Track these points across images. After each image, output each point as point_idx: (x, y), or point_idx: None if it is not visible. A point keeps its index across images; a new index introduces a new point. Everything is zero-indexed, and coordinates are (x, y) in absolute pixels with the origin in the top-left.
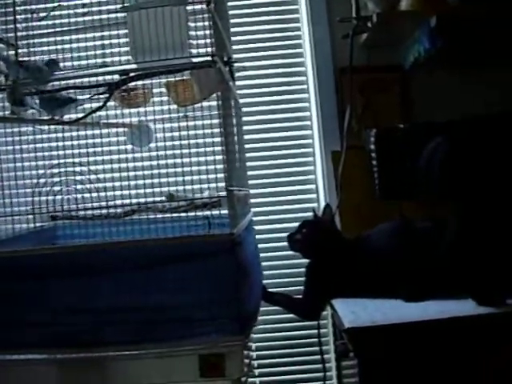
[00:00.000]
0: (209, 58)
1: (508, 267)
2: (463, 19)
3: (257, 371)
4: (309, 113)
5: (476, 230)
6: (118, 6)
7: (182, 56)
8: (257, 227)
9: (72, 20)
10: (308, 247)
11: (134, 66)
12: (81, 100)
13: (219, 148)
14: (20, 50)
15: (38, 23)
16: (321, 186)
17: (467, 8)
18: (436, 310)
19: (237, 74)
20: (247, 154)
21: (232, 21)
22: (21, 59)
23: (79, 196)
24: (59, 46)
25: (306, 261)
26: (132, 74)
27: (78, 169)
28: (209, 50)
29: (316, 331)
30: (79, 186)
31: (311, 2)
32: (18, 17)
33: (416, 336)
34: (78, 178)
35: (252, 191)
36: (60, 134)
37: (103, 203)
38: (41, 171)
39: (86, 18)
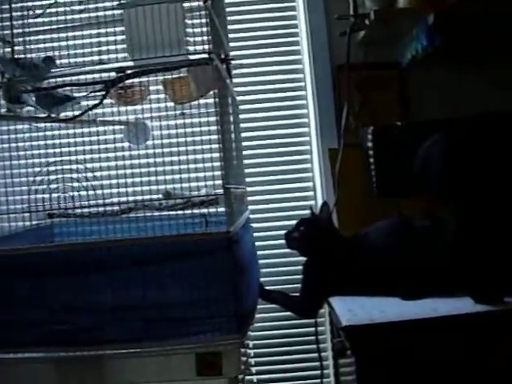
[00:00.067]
0: (206, 56)
1: (506, 265)
2: (461, 17)
3: (254, 369)
4: (306, 110)
5: (474, 227)
6: (115, 3)
7: (179, 53)
8: (254, 225)
9: (68, 17)
10: (305, 245)
11: (130, 64)
12: (77, 97)
13: (216, 145)
14: (16, 48)
15: (35, 20)
16: (318, 183)
17: (465, 5)
18: (434, 308)
19: (234, 72)
20: (244, 152)
21: (229, 18)
22: (17, 56)
23: (76, 194)
24: (55, 44)
25: (303, 259)
26: (129, 72)
27: (74, 166)
28: (206, 47)
29: (313, 329)
30: (76, 184)
31: None
32: (14, 14)
33: (414, 334)
34: (75, 175)
35: (249, 189)
36: (56, 132)
37: (100, 201)
38: (37, 169)
39: (83, 15)
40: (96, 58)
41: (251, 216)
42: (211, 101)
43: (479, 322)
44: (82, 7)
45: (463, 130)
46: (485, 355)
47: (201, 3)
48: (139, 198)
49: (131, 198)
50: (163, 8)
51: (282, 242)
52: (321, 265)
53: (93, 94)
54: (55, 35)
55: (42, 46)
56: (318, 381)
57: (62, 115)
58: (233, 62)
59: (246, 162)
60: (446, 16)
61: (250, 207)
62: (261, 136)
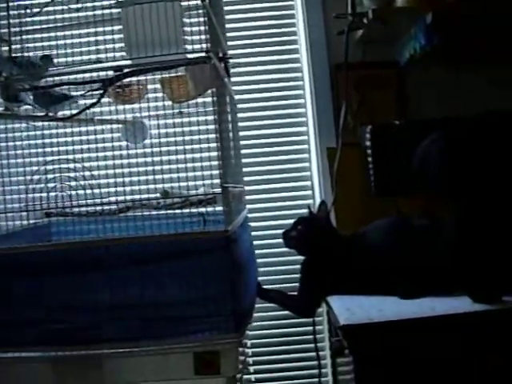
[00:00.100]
0: (204, 54)
1: (504, 264)
2: (459, 16)
3: (252, 368)
4: (304, 109)
5: (472, 226)
6: (113, 1)
7: (177, 52)
8: (252, 224)
9: (66, 15)
10: (303, 244)
11: (128, 62)
12: (75, 96)
13: (214, 144)
14: (13, 46)
15: (32, 19)
16: (316, 182)
17: (463, 4)
18: (432, 307)
19: (232, 70)
20: (242, 151)
21: (227, 17)
22: (14, 55)
23: (74, 193)
24: (53, 42)
25: (301, 258)
26: (126, 70)
27: (72, 165)
28: (204, 46)
29: (311, 328)
30: (73, 183)
31: None
32: (11, 12)
33: (412, 333)
34: (73, 174)
35: (247, 188)
36: (54, 131)
37: (98, 200)
38: (35, 168)
39: (80, 14)
40: (94, 56)
41: (249, 215)
42: (209, 99)
43: (477, 321)
44: (80, 5)
45: (461, 128)
46: (483, 354)
47: (198, 2)
48: (137, 196)
49: (129, 197)
50: (161, 6)
51: (280, 241)
52: (319, 264)
53: (90, 92)
54: (53, 34)
55: (39, 44)
56: (316, 380)
57: (60, 114)
58: (231, 60)
59: (244, 160)
60: (444, 15)
61: (248, 206)
62: (259, 135)
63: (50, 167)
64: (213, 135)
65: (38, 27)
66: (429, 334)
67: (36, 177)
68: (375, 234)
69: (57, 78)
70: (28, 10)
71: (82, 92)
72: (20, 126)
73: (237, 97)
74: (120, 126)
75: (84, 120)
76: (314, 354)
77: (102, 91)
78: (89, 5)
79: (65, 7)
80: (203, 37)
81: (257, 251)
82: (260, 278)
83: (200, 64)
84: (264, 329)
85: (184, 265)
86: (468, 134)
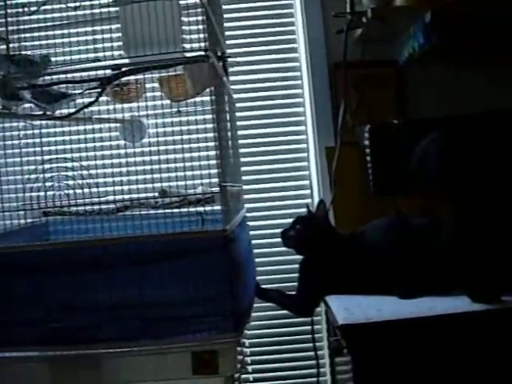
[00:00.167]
0: (202, 53)
1: (503, 263)
2: (458, 14)
3: (250, 367)
4: (303, 108)
5: (471, 226)
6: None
7: (175, 51)
8: (250, 223)
9: (64, 14)
10: (302, 243)
11: (126, 61)
12: (73, 95)
13: (212, 143)
14: (11, 45)
15: (30, 17)
16: (315, 181)
17: (462, 3)
18: (430, 307)
19: (230, 69)
20: (241, 150)
21: (226, 15)
22: (12, 53)
23: (71, 192)
24: (51, 41)
25: (299, 257)
26: (124, 69)
27: (70, 164)
28: (202, 44)
29: (310, 328)
30: (71, 182)
31: None
32: (8, 10)
33: (410, 333)
34: (71, 173)
35: (245, 187)
36: (52, 130)
37: (95, 199)
38: (32, 167)
39: (78, 13)
40: (91, 55)
41: (248, 214)
42: (207, 98)
43: (476, 320)
44: (78, 4)
45: (460, 127)
46: (482, 354)
47: (197, 0)
48: (135, 195)
49: (127, 196)
50: (159, 5)
51: (279, 240)
52: (317, 263)
53: (88, 91)
54: (50, 32)
55: (37, 43)
56: (315, 379)
57: (58, 113)
58: (229, 59)
59: (242, 160)
60: (443, 14)
61: (247, 205)
62: (257, 134)
63: (47, 166)
64: (211, 134)
65: (36, 26)
66: (427, 334)
67: (34, 176)
68: (374, 233)
69: (55, 77)
70: (26, 9)
71: (80, 91)
72: (18, 125)
73: (235, 96)
74: (118, 124)
75: (82, 119)
76: (312, 353)
77: (100, 90)
78: (87, 3)
79: (63, 6)
80: (201, 35)
81: (255, 250)
82: (258, 278)
83: (198, 63)
84: (262, 328)
85: (182, 264)
86: (467, 133)
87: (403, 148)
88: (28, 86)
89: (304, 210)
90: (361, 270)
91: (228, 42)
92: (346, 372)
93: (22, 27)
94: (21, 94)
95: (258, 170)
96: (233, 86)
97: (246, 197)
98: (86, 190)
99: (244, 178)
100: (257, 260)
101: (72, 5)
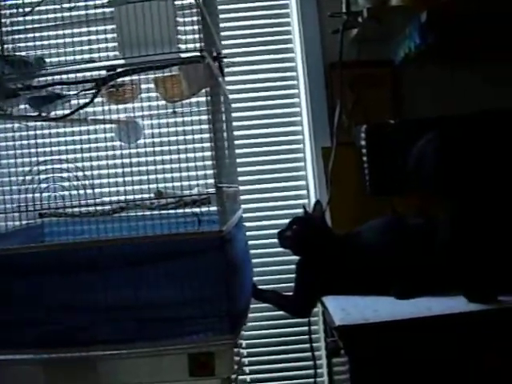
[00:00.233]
0: (197, 54)
1: (500, 263)
2: (454, 14)
3: (247, 369)
4: (299, 108)
5: (467, 226)
6: (105, 0)
7: (171, 51)
8: (247, 224)
9: (58, 15)
10: (298, 244)
11: (121, 62)
12: (68, 96)
13: (208, 144)
14: (5, 46)
15: (24, 18)
16: (311, 182)
17: (458, 3)
18: (427, 307)
19: (226, 70)
20: (237, 151)
21: (221, 15)
22: (6, 54)
23: (67, 193)
24: (45, 42)
25: (296, 258)
26: (119, 70)
27: (65, 166)
28: (197, 45)
29: (307, 328)
30: (67, 183)
31: None
32: (3, 11)
33: (407, 333)
34: (66, 175)
35: (242, 188)
36: (47, 131)
37: (91, 200)
38: (27, 168)
39: (73, 13)
40: (86, 56)
41: (244, 215)
42: (203, 99)
43: (473, 321)
44: (72, 5)
45: (456, 127)
46: (479, 354)
47: (192, 0)
48: (131, 197)
49: (123, 198)
50: (154, 5)
51: (275, 240)
52: (314, 264)
53: (83, 92)
54: (45, 33)
55: (31, 44)
56: (312, 380)
57: (53, 114)
58: (225, 59)
59: (238, 160)
60: (438, 14)
61: (243, 206)
62: (253, 134)
63: (42, 167)
64: (207, 135)
65: (30, 26)
66: (424, 334)
67: (29, 177)
68: (370, 233)
69: (49, 78)
70: (20, 9)
71: (75, 92)
72: (12, 126)
73: (231, 96)
74: (113, 125)
75: (77, 120)
76: (309, 354)
77: (95, 91)
78: (81, 4)
79: (57, 6)
80: (197, 36)
81: (252, 251)
82: (255, 278)
83: (194, 63)
84: (259, 329)
85: (178, 265)
86: (463, 133)
87: (399, 148)
88: (23, 87)
89: (300, 210)
90: (357, 270)
91: (224, 42)
92: (343, 373)
93: (16, 28)
94: (16, 95)
95: (254, 171)
96: (228, 87)
97: (243, 197)
98: (82, 192)
99: (240, 178)
100: (253, 260)
101: (67, 5)
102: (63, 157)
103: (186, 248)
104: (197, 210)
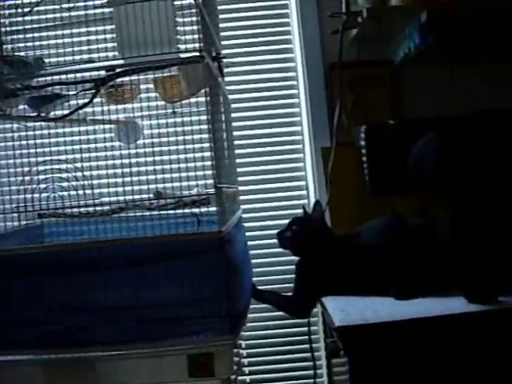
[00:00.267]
0: (197, 54)
1: (500, 264)
2: (454, 14)
3: (247, 369)
4: (298, 109)
5: (467, 226)
6: (104, 0)
7: (170, 51)
8: (246, 224)
9: (57, 15)
10: (298, 244)
11: (120, 62)
12: (67, 96)
13: (207, 144)
14: (4, 46)
15: (23, 18)
16: (311, 182)
17: (458, 3)
18: (427, 308)
19: (226, 70)
20: (236, 151)
21: (221, 16)
22: (5, 54)
23: (66, 193)
24: (44, 42)
25: (296, 258)
26: (119, 70)
27: (64, 166)
28: (197, 45)
29: (306, 329)
30: (66, 184)
31: None
32: (2, 12)
33: (407, 334)
34: (65, 175)
35: (241, 188)
36: (46, 131)
37: (90, 201)
38: (27, 168)
39: (72, 13)
40: (86, 56)
41: (243, 215)
42: (202, 99)
43: (473, 321)
44: (71, 5)
45: (456, 127)
46: (479, 355)
47: (191, 0)
48: (130, 197)
49: (122, 198)
50: (153, 5)
51: (275, 241)
52: (314, 264)
53: (83, 92)
54: (44, 33)
55: (30, 44)
56: (311, 381)
57: (52, 114)
58: (224, 60)
59: (238, 160)
60: (438, 14)
61: (243, 206)
62: (253, 135)
63: (42, 168)
64: (206, 135)
65: (29, 27)
66: (424, 335)
67: (28, 177)
68: (370, 233)
69: (49, 78)
70: (19, 10)
71: (75, 92)
72: (11, 127)
73: (230, 96)
74: (113, 126)
75: (76, 120)
76: (309, 354)
77: (94, 91)
78: (80, 4)
79: (56, 6)
80: (196, 36)
81: (251, 252)
82: (254, 279)
83: (193, 63)
84: (259, 330)
85: (178, 266)
86: (463, 133)
87: (399, 148)
88: (22, 87)
89: (300, 210)
90: (357, 270)
91: (223, 43)
92: (342, 373)
93: (15, 28)
94: (15, 95)
95: (254, 171)
96: (228, 87)
97: (242, 198)
98: (81, 192)
99: (240, 178)
100: (253, 261)
101: (66, 6)
102: (62, 157)
103: (186, 248)
104: (196, 210)
